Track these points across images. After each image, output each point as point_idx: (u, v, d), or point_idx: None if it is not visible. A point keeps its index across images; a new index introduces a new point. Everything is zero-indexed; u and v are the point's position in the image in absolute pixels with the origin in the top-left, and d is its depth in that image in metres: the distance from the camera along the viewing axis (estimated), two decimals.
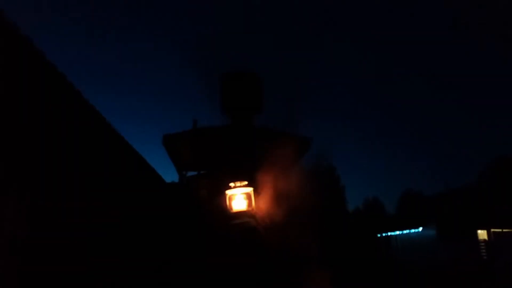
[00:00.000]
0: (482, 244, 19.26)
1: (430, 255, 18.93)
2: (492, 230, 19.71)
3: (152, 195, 6.66)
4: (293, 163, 7.16)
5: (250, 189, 6.06)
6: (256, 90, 7.10)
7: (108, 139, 5.00)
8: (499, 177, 20.97)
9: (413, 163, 72.72)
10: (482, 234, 20.10)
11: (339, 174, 21.51)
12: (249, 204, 6.08)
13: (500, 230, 19.61)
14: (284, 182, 6.39)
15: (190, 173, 8.28)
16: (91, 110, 4.22)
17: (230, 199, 6.15)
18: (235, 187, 6.12)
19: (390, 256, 21.38)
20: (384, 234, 23.70)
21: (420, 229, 21.78)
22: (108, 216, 4.56)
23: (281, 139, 6.35)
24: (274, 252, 6.20)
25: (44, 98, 3.33)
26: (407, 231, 22.60)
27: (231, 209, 6.17)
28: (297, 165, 7.67)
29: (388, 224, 24.05)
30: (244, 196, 6.08)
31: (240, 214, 6.25)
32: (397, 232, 23.34)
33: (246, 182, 6.17)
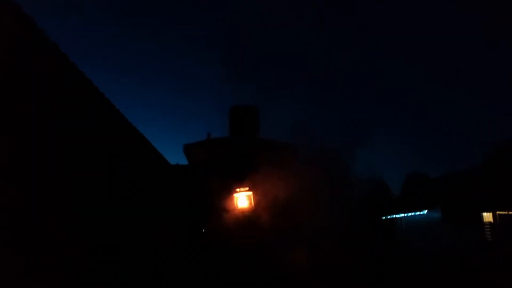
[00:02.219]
0: (487, 226, 19.31)
1: (435, 238, 19.13)
2: (497, 212, 19.77)
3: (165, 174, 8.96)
4: (286, 165, 9.23)
5: (250, 193, 8.09)
6: (256, 119, 10.17)
7: (121, 127, 5.28)
8: (505, 160, 20.83)
9: (418, 145, 72.38)
10: (487, 216, 20.15)
11: (342, 155, 21.50)
12: (250, 203, 8.09)
13: (506, 212, 19.63)
14: (279, 180, 8.31)
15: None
16: (91, 86, 4.24)
17: (236, 199, 8.19)
18: (240, 191, 8.12)
19: (394, 238, 21.70)
20: (389, 216, 23.95)
21: (425, 211, 21.95)
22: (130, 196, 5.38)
23: (277, 147, 8.93)
24: (268, 237, 8.26)
25: (46, 77, 3.34)
26: (412, 213, 22.79)
27: (237, 206, 8.24)
28: (289, 166, 9.56)
29: (393, 206, 24.19)
30: (246, 197, 8.03)
31: (243, 210, 8.19)
32: (402, 215, 23.58)
33: (247, 188, 8.05)
